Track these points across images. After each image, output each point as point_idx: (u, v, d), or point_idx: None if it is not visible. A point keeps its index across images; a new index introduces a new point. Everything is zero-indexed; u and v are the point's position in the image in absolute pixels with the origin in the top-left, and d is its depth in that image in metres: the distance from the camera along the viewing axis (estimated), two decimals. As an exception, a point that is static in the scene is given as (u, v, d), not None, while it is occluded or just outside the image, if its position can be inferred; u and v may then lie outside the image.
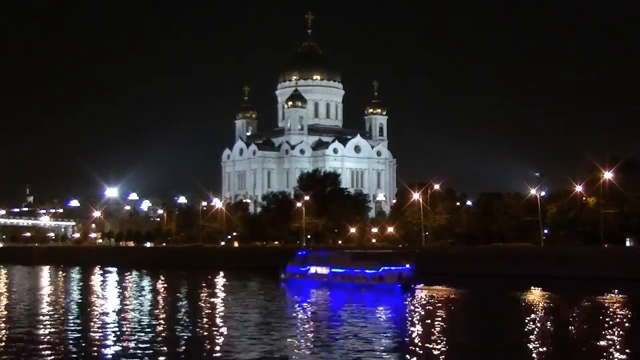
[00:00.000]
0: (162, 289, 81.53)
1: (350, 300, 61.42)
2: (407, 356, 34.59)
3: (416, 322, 47.82)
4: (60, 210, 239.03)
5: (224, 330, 44.41)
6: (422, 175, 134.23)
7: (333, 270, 75.50)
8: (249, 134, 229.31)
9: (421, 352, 35.83)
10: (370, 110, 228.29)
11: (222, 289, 79.85)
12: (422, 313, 52.34)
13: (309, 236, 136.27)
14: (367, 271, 72.33)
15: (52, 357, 35.39)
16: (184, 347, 38.56)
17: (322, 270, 76.72)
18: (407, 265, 72.36)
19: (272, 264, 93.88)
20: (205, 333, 43.26)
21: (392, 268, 71.31)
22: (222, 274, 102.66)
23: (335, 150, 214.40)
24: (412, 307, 56.16)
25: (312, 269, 78.26)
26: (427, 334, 41.53)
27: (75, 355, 35.98)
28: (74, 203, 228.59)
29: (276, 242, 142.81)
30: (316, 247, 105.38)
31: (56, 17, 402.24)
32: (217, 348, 38.01)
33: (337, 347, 37.38)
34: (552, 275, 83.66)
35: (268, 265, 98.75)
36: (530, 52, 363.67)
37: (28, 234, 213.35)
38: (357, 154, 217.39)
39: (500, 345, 39.45)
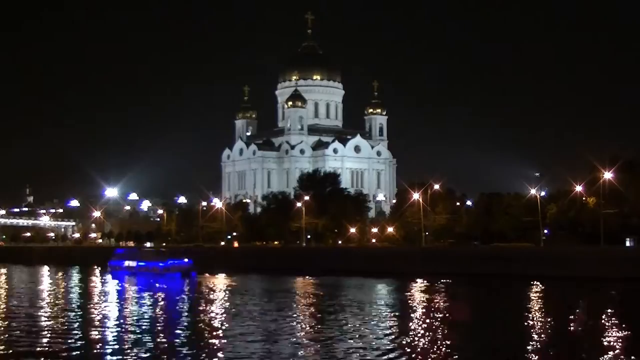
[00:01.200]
0: (162, 288, 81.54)
1: (147, 283, 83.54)
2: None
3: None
4: (60, 210, 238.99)
5: (221, 326, 44.68)
6: (422, 175, 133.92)
7: (139, 263, 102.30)
8: (249, 134, 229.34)
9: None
10: (370, 110, 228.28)
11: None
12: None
13: (309, 236, 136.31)
14: (160, 264, 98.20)
15: (52, 357, 35.36)
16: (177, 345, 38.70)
17: (132, 263, 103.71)
18: (186, 260, 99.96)
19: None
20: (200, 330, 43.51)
21: (176, 261, 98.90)
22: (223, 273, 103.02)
23: (335, 150, 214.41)
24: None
25: (126, 263, 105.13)
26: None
27: (74, 355, 35.95)
28: (74, 203, 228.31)
29: (276, 242, 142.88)
30: (131, 246, 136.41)
31: (56, 18, 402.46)
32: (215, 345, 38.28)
33: (138, 309, 56.82)
34: (552, 275, 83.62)
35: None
36: (530, 52, 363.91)
37: (28, 234, 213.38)
38: (357, 154, 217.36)
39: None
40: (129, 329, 45.10)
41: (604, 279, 77.72)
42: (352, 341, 39.43)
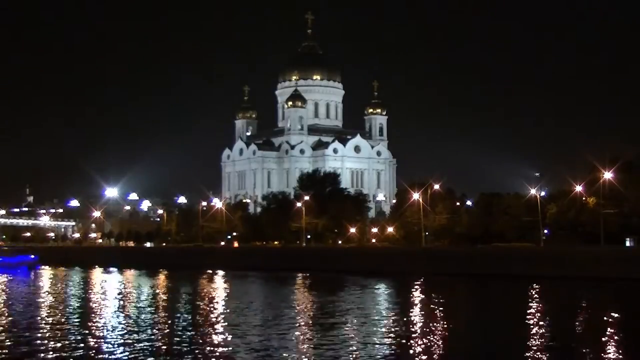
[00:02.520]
0: (162, 288, 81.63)
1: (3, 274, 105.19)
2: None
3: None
4: (60, 210, 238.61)
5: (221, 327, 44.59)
6: (422, 175, 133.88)
7: None
8: (249, 134, 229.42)
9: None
10: (370, 110, 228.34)
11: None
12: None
13: (309, 236, 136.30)
14: (11, 259, 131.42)
15: (52, 357, 35.37)
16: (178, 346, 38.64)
17: None
18: (32, 256, 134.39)
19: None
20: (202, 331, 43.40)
21: (23, 257, 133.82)
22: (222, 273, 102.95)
23: (335, 150, 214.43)
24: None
25: None
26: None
27: (75, 356, 35.96)
28: (74, 203, 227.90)
29: (276, 242, 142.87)
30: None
31: (56, 18, 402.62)
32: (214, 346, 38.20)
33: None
34: (552, 275, 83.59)
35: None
36: (530, 51, 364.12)
37: (28, 234, 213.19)
38: (357, 154, 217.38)
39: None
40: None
41: (604, 279, 77.74)
42: (350, 341, 39.41)
